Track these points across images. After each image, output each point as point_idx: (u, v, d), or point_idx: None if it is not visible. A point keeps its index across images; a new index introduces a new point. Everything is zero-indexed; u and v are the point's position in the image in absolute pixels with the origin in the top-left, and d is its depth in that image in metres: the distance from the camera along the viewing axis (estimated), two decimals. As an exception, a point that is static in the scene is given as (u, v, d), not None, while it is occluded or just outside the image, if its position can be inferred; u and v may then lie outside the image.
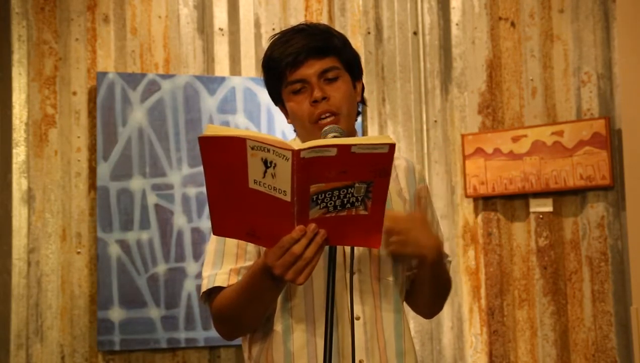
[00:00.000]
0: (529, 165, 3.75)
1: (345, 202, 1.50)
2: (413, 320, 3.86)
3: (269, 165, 1.46)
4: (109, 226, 3.66)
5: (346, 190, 1.49)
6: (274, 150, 1.44)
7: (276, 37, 1.89)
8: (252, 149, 1.45)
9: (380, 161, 1.47)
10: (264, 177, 1.47)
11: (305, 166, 1.44)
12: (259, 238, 1.56)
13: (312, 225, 1.51)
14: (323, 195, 1.49)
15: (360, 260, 1.82)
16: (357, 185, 1.49)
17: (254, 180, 1.48)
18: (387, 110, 4.05)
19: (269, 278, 1.60)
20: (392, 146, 1.46)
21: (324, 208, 1.50)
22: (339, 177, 1.48)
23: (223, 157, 1.48)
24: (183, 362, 3.73)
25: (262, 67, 1.91)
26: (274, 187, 1.47)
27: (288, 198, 1.47)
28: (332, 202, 1.50)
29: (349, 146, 1.45)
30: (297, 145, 1.46)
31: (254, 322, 1.81)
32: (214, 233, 1.59)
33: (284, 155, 1.44)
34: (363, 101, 1.96)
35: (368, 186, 1.49)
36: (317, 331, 1.77)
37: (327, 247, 1.60)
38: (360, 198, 1.50)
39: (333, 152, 1.45)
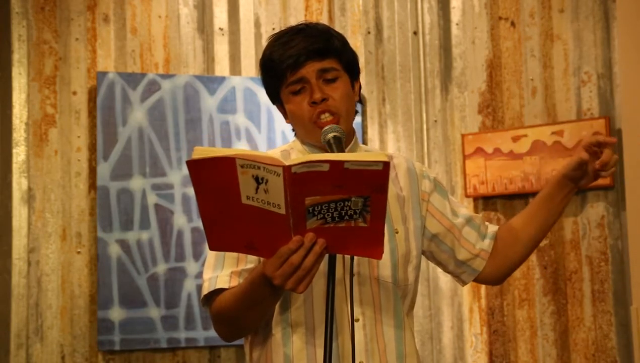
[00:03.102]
0: (529, 165, 3.75)
1: (343, 214, 1.50)
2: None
3: (260, 181, 1.46)
4: (109, 226, 3.66)
5: (343, 203, 1.48)
6: (264, 167, 1.44)
7: (274, 37, 1.88)
8: (242, 167, 1.45)
9: (375, 178, 1.46)
10: (256, 192, 1.47)
11: (298, 181, 1.44)
12: (258, 250, 1.56)
13: (310, 234, 1.51)
14: (320, 207, 1.48)
15: (359, 263, 1.82)
16: (354, 199, 1.48)
17: (247, 196, 1.48)
18: (387, 110, 4.05)
19: (268, 287, 1.60)
20: (386, 164, 1.45)
21: (321, 219, 1.50)
22: (335, 191, 1.47)
23: (213, 178, 1.48)
24: (183, 361, 3.73)
25: (261, 67, 1.90)
26: (267, 202, 1.47)
27: (283, 211, 1.47)
28: (330, 214, 1.49)
29: (341, 162, 1.44)
30: (297, 151, 1.46)
31: (253, 324, 1.81)
32: (210, 249, 1.59)
33: (275, 171, 1.44)
34: (360, 101, 1.96)
35: (365, 200, 1.48)
36: (317, 334, 1.77)
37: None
38: (358, 212, 1.49)
39: (325, 167, 1.44)
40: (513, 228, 2.00)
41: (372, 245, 1.54)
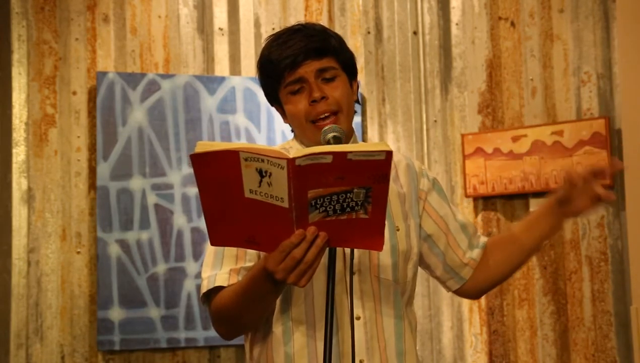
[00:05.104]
0: (528, 165, 3.75)
1: (345, 206, 1.50)
2: (413, 320, 3.86)
3: (264, 174, 1.46)
4: (109, 226, 3.66)
5: (345, 195, 1.49)
6: (268, 160, 1.44)
7: (272, 37, 1.88)
8: (246, 160, 1.46)
9: (378, 168, 1.47)
10: (259, 186, 1.47)
11: (301, 173, 1.44)
12: (259, 245, 1.56)
13: (312, 228, 1.51)
14: (322, 199, 1.49)
15: (360, 261, 1.82)
16: (355, 190, 1.48)
17: (250, 189, 1.48)
18: (387, 110, 4.05)
19: (269, 282, 1.60)
20: (389, 153, 1.46)
21: (323, 212, 1.50)
22: (337, 182, 1.47)
23: (217, 172, 1.48)
24: (183, 361, 3.73)
25: (259, 68, 1.90)
26: (270, 195, 1.47)
27: (286, 204, 1.47)
28: (332, 206, 1.50)
29: (344, 153, 1.45)
30: (296, 150, 1.47)
31: (254, 322, 1.81)
32: (211, 244, 1.58)
33: (279, 164, 1.44)
34: (359, 101, 1.97)
35: (367, 191, 1.49)
36: (318, 332, 1.77)
37: (327, 249, 1.60)
38: (360, 203, 1.50)
39: (329, 159, 1.45)
40: (499, 245, 2.02)
41: (372, 236, 1.54)
